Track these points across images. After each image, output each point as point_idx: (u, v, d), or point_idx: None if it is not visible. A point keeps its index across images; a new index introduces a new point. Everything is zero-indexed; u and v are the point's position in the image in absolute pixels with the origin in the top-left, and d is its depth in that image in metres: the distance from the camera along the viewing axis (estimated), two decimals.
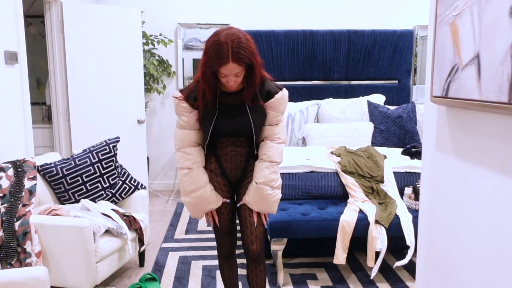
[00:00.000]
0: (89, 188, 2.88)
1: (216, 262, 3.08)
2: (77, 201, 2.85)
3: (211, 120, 1.88)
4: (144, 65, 4.43)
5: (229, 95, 1.91)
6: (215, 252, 3.27)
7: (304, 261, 3.12)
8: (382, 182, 3.02)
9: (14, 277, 1.83)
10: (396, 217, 2.74)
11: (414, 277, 2.44)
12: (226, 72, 1.75)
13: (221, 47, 1.70)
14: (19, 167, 2.63)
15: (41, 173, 2.78)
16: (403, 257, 2.74)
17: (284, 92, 1.95)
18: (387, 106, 4.34)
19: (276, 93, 1.92)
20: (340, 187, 3.05)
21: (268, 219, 2.14)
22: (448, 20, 1.23)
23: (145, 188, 3.17)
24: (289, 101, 4.37)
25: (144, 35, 4.54)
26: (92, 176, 2.89)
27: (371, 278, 2.75)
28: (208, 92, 1.84)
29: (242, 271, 2.92)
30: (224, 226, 2.09)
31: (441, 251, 1.39)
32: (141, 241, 2.88)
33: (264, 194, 1.96)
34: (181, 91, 1.95)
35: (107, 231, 2.64)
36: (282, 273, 2.80)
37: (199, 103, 1.87)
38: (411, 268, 2.91)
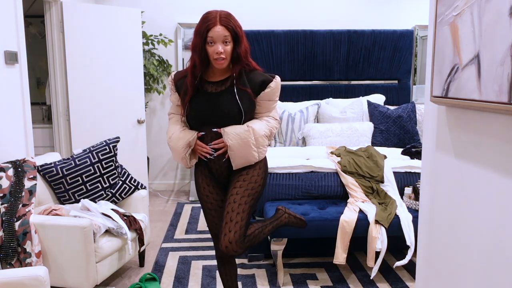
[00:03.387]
0: (89, 188, 2.88)
1: (216, 262, 3.08)
2: (77, 201, 2.85)
3: (189, 100, 1.96)
4: (144, 65, 4.43)
5: (211, 84, 1.98)
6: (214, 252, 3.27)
7: (304, 261, 3.12)
8: (382, 182, 3.02)
9: (14, 277, 1.83)
10: (396, 217, 2.74)
11: (414, 277, 2.44)
12: (214, 35, 1.84)
13: (210, 15, 1.87)
14: (19, 167, 2.63)
15: (41, 173, 2.78)
16: (403, 257, 2.74)
17: (278, 80, 2.02)
18: (387, 106, 4.34)
19: (270, 82, 1.98)
20: (340, 187, 3.05)
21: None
22: (448, 20, 1.23)
23: (145, 188, 3.17)
24: (289, 101, 4.45)
25: (144, 35, 4.54)
26: (92, 176, 2.89)
27: (371, 278, 2.75)
28: (199, 64, 1.91)
29: (242, 271, 2.92)
30: (218, 227, 2.08)
31: (441, 251, 1.39)
32: (141, 241, 2.88)
33: (247, 140, 1.93)
34: (175, 75, 2.08)
35: (107, 231, 2.64)
36: (282, 273, 2.80)
37: (189, 77, 1.94)
38: (411, 268, 2.91)
